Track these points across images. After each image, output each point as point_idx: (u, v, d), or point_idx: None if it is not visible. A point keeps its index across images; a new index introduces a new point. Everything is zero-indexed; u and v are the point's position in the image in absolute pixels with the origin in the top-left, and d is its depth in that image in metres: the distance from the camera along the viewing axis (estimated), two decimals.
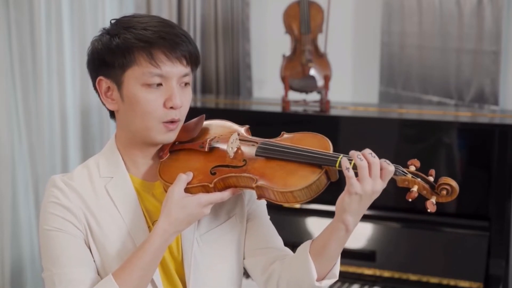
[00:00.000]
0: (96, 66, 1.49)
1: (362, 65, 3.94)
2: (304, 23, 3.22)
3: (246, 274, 1.62)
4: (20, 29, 3.03)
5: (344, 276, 2.74)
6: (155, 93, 1.44)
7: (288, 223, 2.85)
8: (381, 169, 1.36)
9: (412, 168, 1.42)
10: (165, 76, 1.44)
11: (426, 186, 1.41)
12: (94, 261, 1.47)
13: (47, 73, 3.15)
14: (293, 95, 3.31)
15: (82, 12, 3.34)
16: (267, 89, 3.97)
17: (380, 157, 1.38)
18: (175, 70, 1.45)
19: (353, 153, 1.37)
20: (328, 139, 1.49)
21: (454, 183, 1.39)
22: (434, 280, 2.68)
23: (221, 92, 3.90)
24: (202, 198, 1.44)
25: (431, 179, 1.42)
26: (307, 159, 1.43)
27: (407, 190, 1.40)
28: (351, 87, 3.94)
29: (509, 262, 2.76)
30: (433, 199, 1.40)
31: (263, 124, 3.11)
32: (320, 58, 3.24)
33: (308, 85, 3.23)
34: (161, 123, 1.46)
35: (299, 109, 3.16)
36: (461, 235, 2.71)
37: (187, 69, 1.47)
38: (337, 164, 1.39)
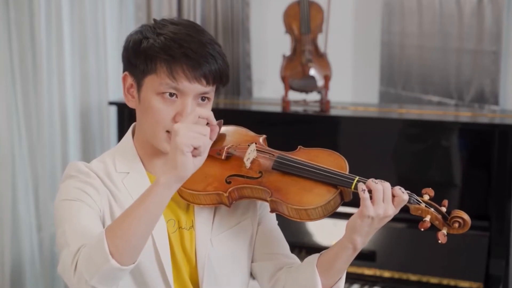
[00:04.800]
0: (125, 61, 1.52)
1: (362, 65, 3.94)
2: (304, 23, 3.22)
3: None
4: (20, 29, 3.03)
5: None
6: (169, 105, 1.45)
7: (291, 223, 2.85)
8: (395, 196, 1.39)
9: (426, 197, 1.43)
10: (181, 91, 1.44)
11: (439, 217, 1.42)
12: None
13: (47, 73, 3.15)
14: (293, 95, 3.30)
15: (82, 12, 3.33)
16: (267, 89, 3.97)
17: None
18: (192, 87, 1.45)
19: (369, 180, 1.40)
20: (344, 159, 1.49)
21: (466, 216, 1.41)
22: (434, 280, 2.68)
23: (221, 92, 3.89)
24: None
25: (444, 209, 1.43)
26: (324, 178, 1.43)
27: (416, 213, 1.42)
28: (351, 87, 3.94)
29: (509, 262, 2.76)
30: (445, 230, 1.42)
31: (263, 124, 3.11)
32: (320, 58, 3.24)
33: (308, 85, 3.22)
34: (166, 133, 1.46)
35: (299, 109, 3.15)
36: (461, 235, 2.68)
37: (206, 88, 1.47)
38: (352, 186, 1.40)
